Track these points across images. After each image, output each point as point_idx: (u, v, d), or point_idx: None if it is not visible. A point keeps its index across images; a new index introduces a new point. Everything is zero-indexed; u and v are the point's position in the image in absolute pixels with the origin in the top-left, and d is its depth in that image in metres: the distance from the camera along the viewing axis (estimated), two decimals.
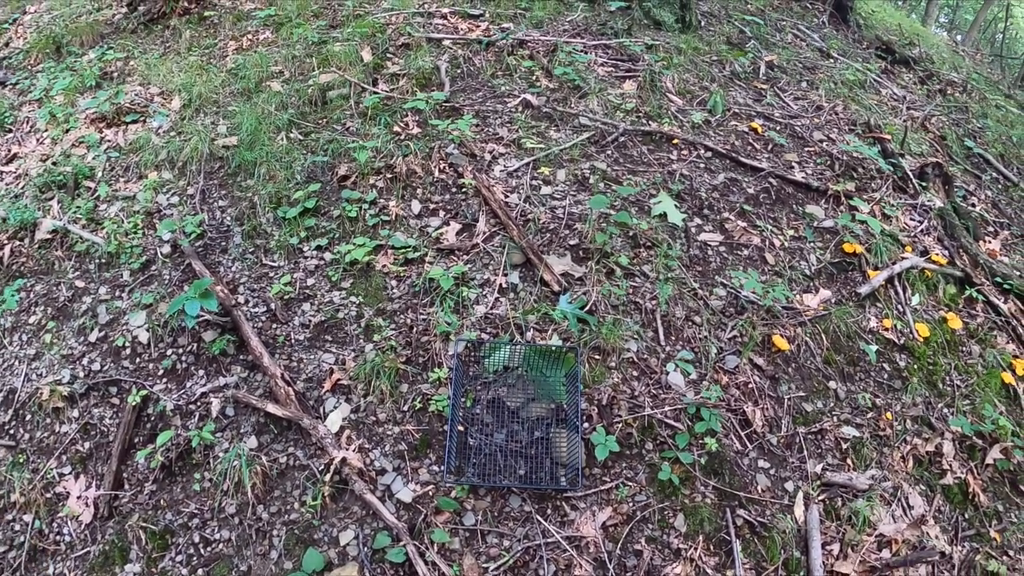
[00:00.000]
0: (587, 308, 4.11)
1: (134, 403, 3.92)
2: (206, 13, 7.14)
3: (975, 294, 4.87)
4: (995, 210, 6.27)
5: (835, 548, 3.55)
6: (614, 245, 4.50)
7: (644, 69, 6.06)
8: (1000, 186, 6.79)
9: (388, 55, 6.14)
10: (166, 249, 4.65)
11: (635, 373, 3.94)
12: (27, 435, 4.04)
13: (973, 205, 6.10)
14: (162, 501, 3.68)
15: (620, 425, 3.73)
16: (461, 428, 3.70)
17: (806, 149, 5.78)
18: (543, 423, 3.75)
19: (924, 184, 5.72)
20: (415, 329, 4.07)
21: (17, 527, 3.76)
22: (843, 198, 5.24)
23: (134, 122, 5.73)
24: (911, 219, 5.39)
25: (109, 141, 5.59)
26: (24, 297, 4.60)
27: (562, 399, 3.79)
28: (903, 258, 4.88)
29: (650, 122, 5.63)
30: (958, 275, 4.96)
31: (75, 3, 7.96)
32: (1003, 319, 4.83)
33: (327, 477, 3.52)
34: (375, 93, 5.63)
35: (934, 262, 4.93)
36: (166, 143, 5.37)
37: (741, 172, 5.27)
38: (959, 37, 18.98)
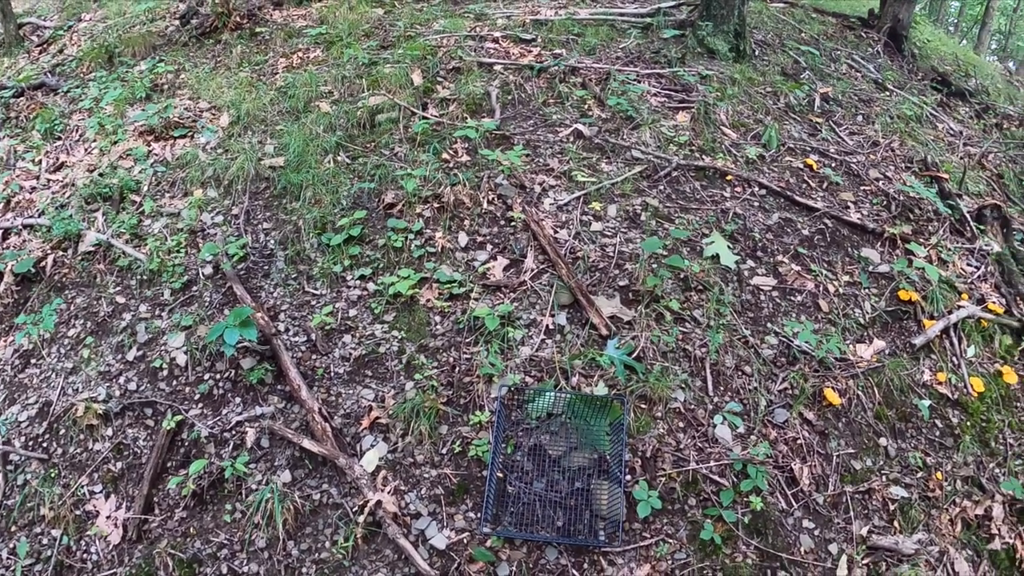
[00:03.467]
0: (635, 354, 4.00)
1: (169, 427, 3.90)
2: (257, 29, 7.17)
3: None
4: None
5: None
6: (665, 288, 4.38)
7: (698, 100, 5.94)
8: None
9: (438, 79, 6.09)
10: (208, 270, 4.62)
11: (681, 424, 3.82)
12: (60, 450, 4.03)
13: None
14: (191, 529, 3.65)
15: (663, 479, 3.61)
16: (500, 475, 3.60)
17: (862, 188, 5.62)
18: (584, 473, 3.64)
19: (981, 227, 5.54)
20: (458, 369, 3.99)
21: (45, 541, 3.76)
22: (899, 241, 5.07)
23: (182, 137, 5.74)
24: (968, 264, 5.21)
25: (156, 155, 5.61)
26: (64, 309, 4.61)
27: (605, 449, 3.68)
28: (959, 307, 4.72)
29: (703, 156, 5.50)
30: (1015, 325, 4.77)
31: (129, 13, 8.06)
32: None
33: (360, 518, 3.46)
34: (424, 118, 5.58)
35: (991, 311, 4.75)
36: (213, 160, 5.37)
37: (796, 211, 5.12)
38: (1012, 65, 18.60)
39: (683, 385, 3.95)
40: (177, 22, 7.49)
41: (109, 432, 4.03)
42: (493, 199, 4.86)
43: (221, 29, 7.19)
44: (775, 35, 7.97)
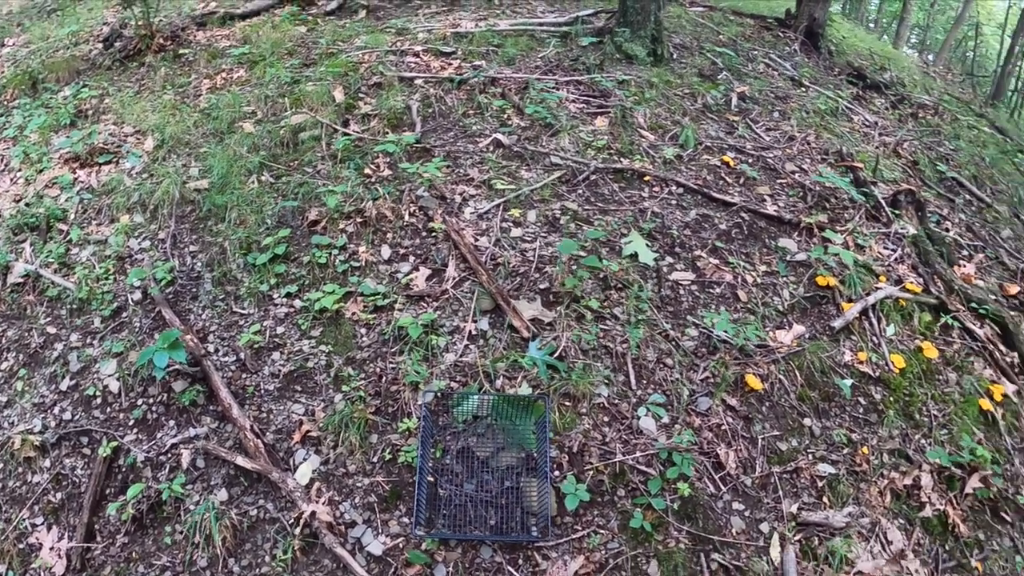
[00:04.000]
0: (557, 354, 4.11)
1: (105, 454, 3.91)
2: (181, 51, 7.16)
3: (951, 321, 4.87)
4: (969, 233, 6.32)
5: None
6: (584, 288, 4.50)
7: (616, 105, 6.10)
8: (974, 208, 6.86)
9: (360, 95, 6.16)
10: (137, 296, 4.63)
11: (606, 419, 3.94)
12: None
13: (947, 229, 6.14)
14: (134, 554, 3.66)
15: (591, 472, 3.72)
16: (431, 479, 3.68)
17: (778, 181, 5.82)
18: (513, 472, 3.74)
19: (897, 211, 5.76)
20: (384, 378, 4.06)
21: None
22: (816, 230, 5.25)
23: (107, 163, 5.72)
24: (884, 248, 5.42)
25: (82, 182, 5.58)
26: None
27: (532, 447, 3.78)
28: (877, 288, 4.89)
29: (621, 159, 5.65)
30: (933, 303, 4.96)
31: (52, 38, 7.99)
32: (979, 344, 4.83)
33: (297, 530, 3.51)
34: (346, 134, 5.65)
35: (908, 291, 4.94)
36: (138, 185, 5.37)
37: (713, 207, 5.29)
38: (930, 57, 19.24)
39: (606, 381, 4.07)
40: (100, 45, 7.44)
41: (47, 463, 4.03)
42: (414, 211, 4.95)
43: (145, 51, 7.16)
44: (693, 38, 8.20)
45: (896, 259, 5.31)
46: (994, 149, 8.70)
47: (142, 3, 7.18)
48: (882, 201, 5.78)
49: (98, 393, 4.20)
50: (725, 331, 4.37)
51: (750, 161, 5.95)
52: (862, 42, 12.22)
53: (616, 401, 4.01)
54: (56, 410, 4.20)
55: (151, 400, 4.13)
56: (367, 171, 5.32)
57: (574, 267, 4.57)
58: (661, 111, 6.34)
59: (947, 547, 3.81)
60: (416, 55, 6.74)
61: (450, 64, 6.64)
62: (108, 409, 4.15)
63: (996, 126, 10.23)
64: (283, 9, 7.96)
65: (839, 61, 9.44)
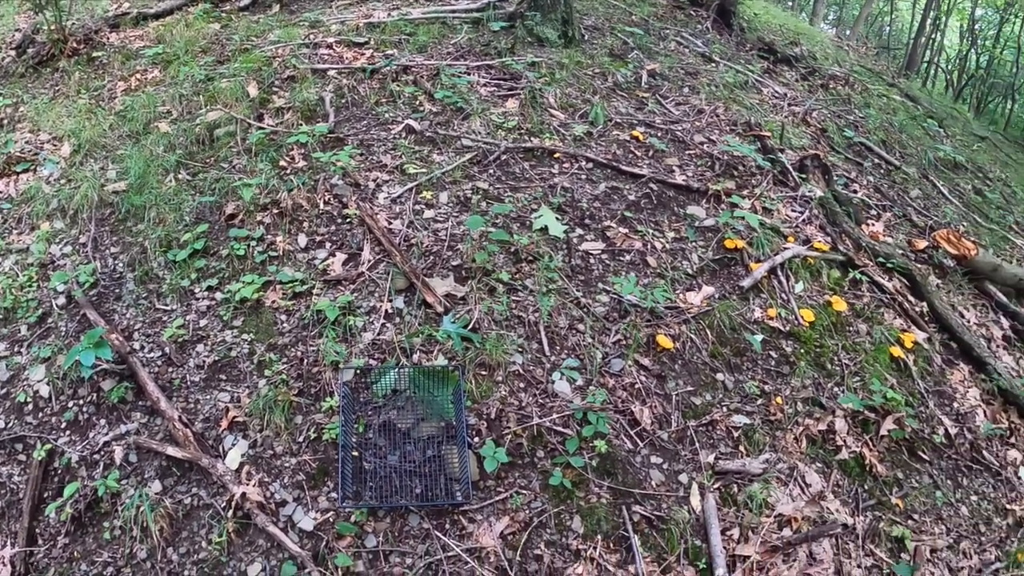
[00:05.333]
0: (471, 326, 4.27)
1: (40, 458, 3.95)
2: (95, 53, 7.11)
3: (859, 276, 5.13)
4: (877, 194, 6.63)
5: (735, 533, 3.71)
6: (496, 262, 4.67)
7: (526, 87, 6.27)
8: (882, 171, 7.19)
9: (274, 89, 6.22)
10: (61, 300, 4.66)
11: (522, 385, 4.11)
12: None
13: (855, 191, 6.44)
14: (76, 553, 3.70)
15: (510, 436, 3.88)
16: (356, 453, 3.82)
17: (687, 152, 6.04)
18: (435, 441, 3.90)
19: (804, 176, 6.02)
20: (305, 361, 4.18)
21: None
22: (723, 196, 5.47)
23: (25, 171, 5.70)
24: (792, 210, 5.66)
25: (0, 192, 5.55)
26: None
27: (451, 417, 3.94)
28: (785, 248, 5.12)
29: (532, 138, 5.82)
30: (841, 259, 5.23)
31: None
32: (889, 296, 5.11)
33: (230, 514, 3.62)
34: (261, 128, 5.73)
35: (816, 249, 5.18)
36: (57, 192, 5.37)
37: (622, 180, 5.49)
38: (847, 32, 19.79)
39: (520, 349, 4.24)
40: (13, 53, 7.34)
41: None
42: (329, 199, 5.06)
43: (58, 56, 7.08)
44: (605, 19, 8.39)
45: (804, 220, 5.56)
46: (904, 115, 9.10)
47: (54, 7, 7.11)
48: (789, 167, 6.04)
49: (29, 399, 4.22)
50: (633, 295, 4.56)
51: (659, 135, 6.17)
52: (775, 19, 12.56)
53: (530, 367, 4.18)
54: None
55: (81, 401, 4.17)
56: (282, 163, 5.40)
57: (484, 243, 4.73)
58: (572, 91, 6.52)
59: (866, 487, 4.04)
60: (329, 47, 6.81)
61: (363, 54, 6.72)
62: (40, 414, 4.18)
63: (908, 94, 10.64)
64: (196, 7, 7.92)
65: (751, 37, 9.72)
